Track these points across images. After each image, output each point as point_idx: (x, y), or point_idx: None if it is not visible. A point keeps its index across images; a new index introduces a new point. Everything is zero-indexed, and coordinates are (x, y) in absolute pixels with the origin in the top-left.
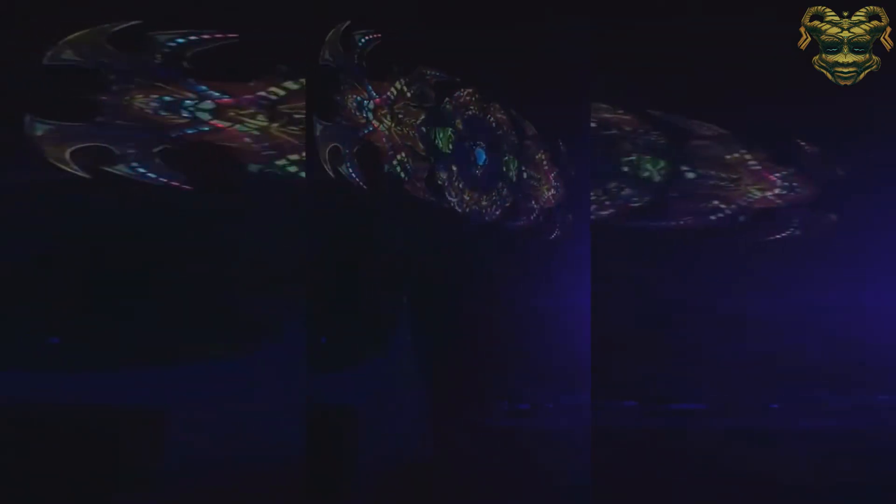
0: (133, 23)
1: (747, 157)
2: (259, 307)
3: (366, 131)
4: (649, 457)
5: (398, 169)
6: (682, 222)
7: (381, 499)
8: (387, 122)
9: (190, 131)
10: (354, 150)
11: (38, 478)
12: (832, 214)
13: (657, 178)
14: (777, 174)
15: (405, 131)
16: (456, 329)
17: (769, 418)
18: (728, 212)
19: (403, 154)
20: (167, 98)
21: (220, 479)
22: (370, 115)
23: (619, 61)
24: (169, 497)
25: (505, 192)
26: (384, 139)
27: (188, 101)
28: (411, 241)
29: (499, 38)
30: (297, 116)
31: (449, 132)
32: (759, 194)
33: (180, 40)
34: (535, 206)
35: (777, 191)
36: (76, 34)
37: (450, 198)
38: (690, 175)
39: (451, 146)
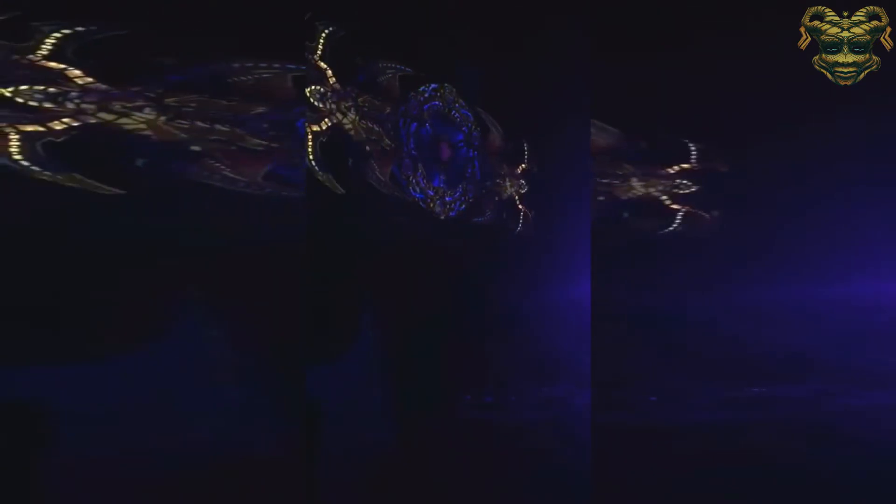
0: (16, 13)
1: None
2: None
3: (330, 124)
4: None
5: (362, 163)
6: None
7: (373, 496)
8: (351, 115)
9: (75, 124)
10: (318, 143)
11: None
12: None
13: None
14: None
15: (370, 125)
16: (436, 324)
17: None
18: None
19: (368, 148)
20: (52, 90)
21: (213, 476)
22: (334, 108)
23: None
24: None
25: (469, 187)
26: (348, 133)
27: (73, 94)
28: (377, 234)
29: (491, 34)
30: (184, 110)
31: (414, 127)
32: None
33: (66, 31)
34: (500, 201)
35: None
36: None
37: (414, 193)
38: None
39: (415, 141)
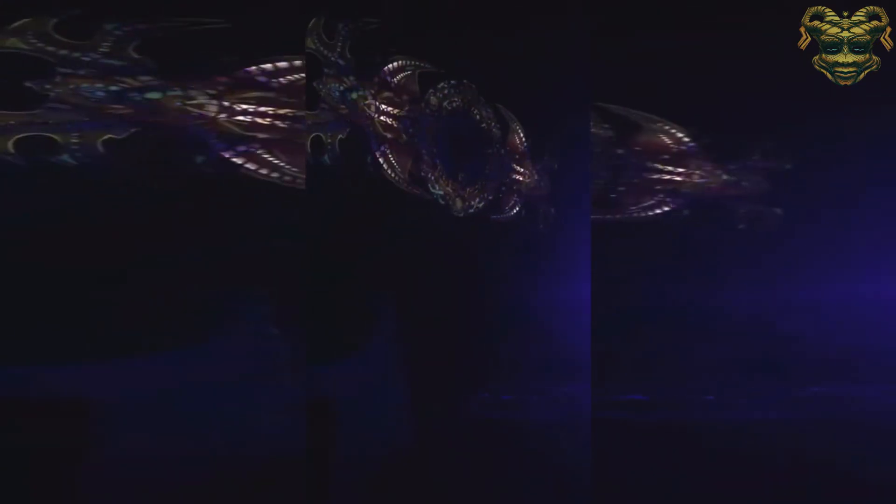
0: (79, 10)
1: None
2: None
3: (348, 121)
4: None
5: (381, 160)
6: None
7: (376, 493)
8: (370, 112)
9: (136, 121)
10: (337, 140)
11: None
12: (830, 212)
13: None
14: (728, 167)
15: (389, 122)
16: (447, 321)
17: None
18: (675, 205)
19: (387, 145)
20: (113, 87)
21: (215, 476)
22: (353, 106)
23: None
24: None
25: (488, 184)
26: (367, 129)
27: (134, 91)
28: (395, 231)
29: (493, 32)
30: (243, 107)
31: (433, 124)
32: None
33: (128, 29)
34: (519, 199)
35: (726, 182)
36: (21, 21)
37: (433, 190)
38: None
39: (434, 137)
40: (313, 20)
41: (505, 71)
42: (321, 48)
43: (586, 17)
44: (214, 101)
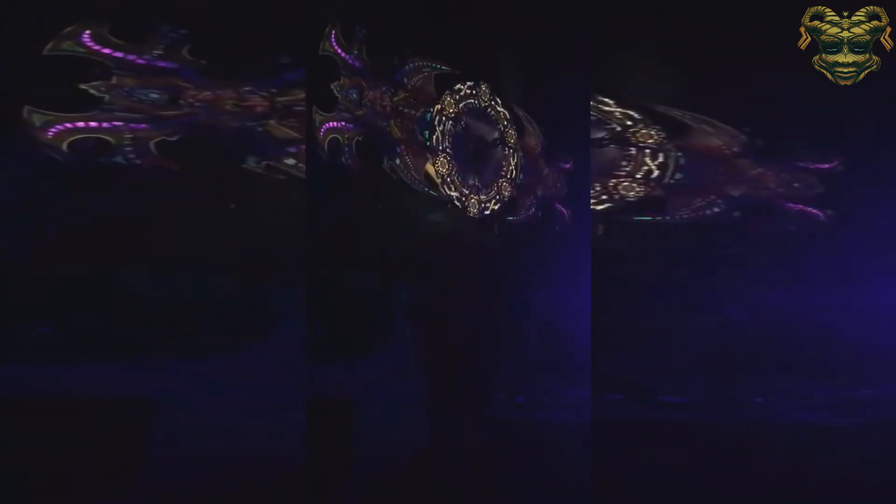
0: (133, 13)
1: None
2: (257, 299)
3: (365, 123)
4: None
5: (397, 161)
6: (678, 216)
7: (378, 492)
8: (386, 113)
9: (188, 123)
10: (354, 141)
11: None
12: (829, 211)
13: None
14: (772, 171)
15: (405, 123)
16: (454, 321)
17: (761, 411)
18: (723, 206)
19: (403, 146)
20: (166, 89)
21: (216, 476)
22: (370, 107)
23: (620, 55)
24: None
25: (504, 186)
26: (384, 131)
27: (187, 93)
28: (410, 233)
29: (500, 32)
30: (296, 109)
31: (449, 125)
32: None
33: (181, 31)
34: (534, 200)
35: (772, 187)
36: (76, 25)
37: (449, 191)
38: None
39: (450, 139)
40: (330, 23)
41: (505, 70)
42: (338, 51)
43: (586, 17)
44: (267, 103)
